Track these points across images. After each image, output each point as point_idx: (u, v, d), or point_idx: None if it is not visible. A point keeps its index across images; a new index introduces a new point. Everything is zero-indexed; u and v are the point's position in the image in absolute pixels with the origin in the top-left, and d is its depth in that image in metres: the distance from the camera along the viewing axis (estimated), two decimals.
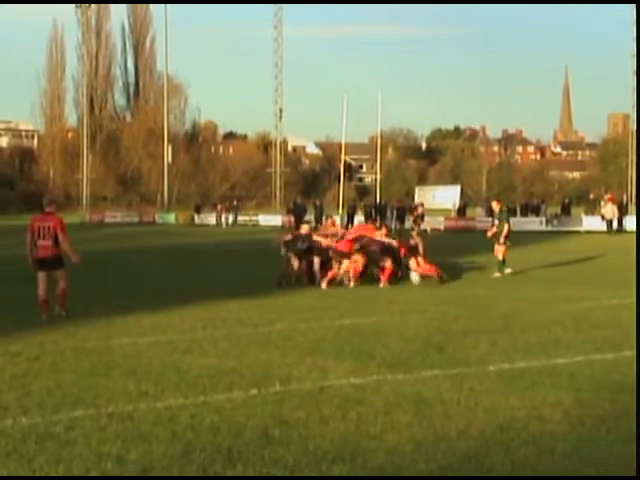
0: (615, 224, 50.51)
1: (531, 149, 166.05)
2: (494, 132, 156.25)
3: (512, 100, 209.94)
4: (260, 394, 9.60)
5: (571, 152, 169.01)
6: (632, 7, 59.52)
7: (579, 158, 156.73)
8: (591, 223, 53.38)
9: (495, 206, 26.50)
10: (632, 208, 57.49)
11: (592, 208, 59.72)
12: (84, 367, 11.25)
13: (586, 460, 7.23)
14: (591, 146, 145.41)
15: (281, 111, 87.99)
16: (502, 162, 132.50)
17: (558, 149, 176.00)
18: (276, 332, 14.11)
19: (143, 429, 8.20)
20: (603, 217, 51.43)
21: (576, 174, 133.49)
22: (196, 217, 76.94)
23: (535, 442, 7.70)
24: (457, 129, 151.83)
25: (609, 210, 51.32)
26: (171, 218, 79.05)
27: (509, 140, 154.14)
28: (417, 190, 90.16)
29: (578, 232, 50.73)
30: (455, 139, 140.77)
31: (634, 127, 66.77)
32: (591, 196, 61.92)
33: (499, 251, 24.49)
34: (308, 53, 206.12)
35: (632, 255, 18.78)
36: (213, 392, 9.70)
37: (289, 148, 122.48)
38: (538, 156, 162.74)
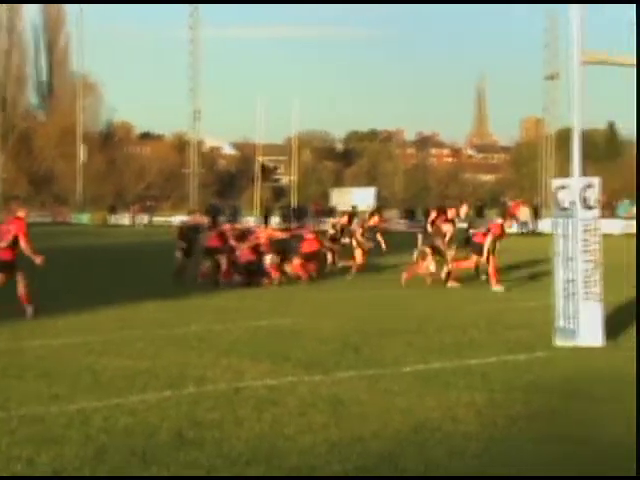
0: (530, 226, 51.45)
1: (446, 152, 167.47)
2: (410, 135, 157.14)
3: (428, 103, 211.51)
4: (174, 395, 9.53)
5: (485, 155, 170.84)
6: (544, 13, 60.57)
7: (493, 161, 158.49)
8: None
9: (464, 210, 25.32)
10: (545, 211, 58.27)
11: (504, 211, 60.41)
12: None
13: (497, 460, 7.30)
14: (505, 149, 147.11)
15: (197, 112, 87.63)
16: (417, 164, 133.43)
17: (472, 152, 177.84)
18: (192, 333, 14.04)
19: (55, 432, 8.08)
20: (517, 219, 52.17)
21: (490, 177, 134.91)
22: (110, 217, 76.19)
23: (448, 442, 7.76)
24: (373, 131, 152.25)
25: (523, 212, 52.33)
26: (85, 218, 78.21)
27: (424, 142, 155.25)
28: (333, 192, 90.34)
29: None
30: (371, 141, 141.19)
31: (547, 131, 67.81)
32: (505, 199, 62.72)
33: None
34: (225, 54, 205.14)
35: (545, 257, 19.04)
36: (127, 394, 9.61)
37: (205, 149, 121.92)
38: (453, 159, 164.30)
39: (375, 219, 31.41)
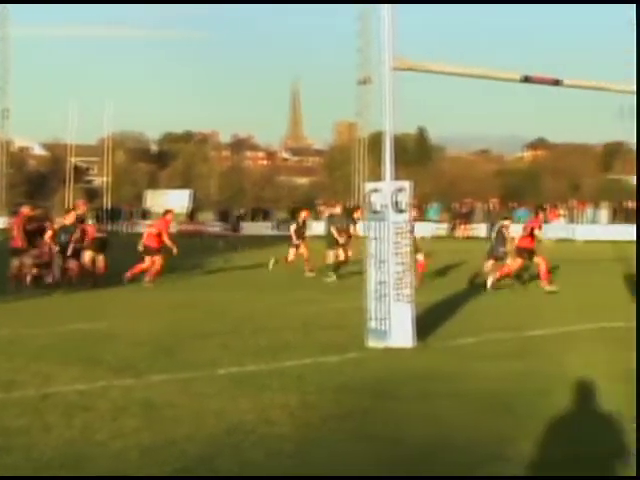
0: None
1: (261, 154, 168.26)
2: (225, 137, 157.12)
3: (243, 105, 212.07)
4: None
5: (300, 158, 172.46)
6: (356, 16, 61.59)
7: (308, 164, 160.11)
8: (320, 229, 54.46)
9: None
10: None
11: (316, 214, 61.08)
12: None
13: (311, 460, 7.36)
14: (319, 153, 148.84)
15: (7, 111, 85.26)
16: (233, 167, 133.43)
17: (287, 155, 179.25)
18: (1, 337, 13.63)
19: None
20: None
21: (304, 180, 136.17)
22: None
23: (263, 443, 7.76)
24: (188, 133, 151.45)
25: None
26: None
27: (239, 145, 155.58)
28: (148, 193, 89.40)
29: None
30: (186, 143, 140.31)
31: (360, 134, 68.85)
32: (319, 202, 63.27)
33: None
34: (36, 53, 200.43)
35: (359, 259, 19.40)
36: None
37: (14, 149, 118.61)
38: (268, 162, 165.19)
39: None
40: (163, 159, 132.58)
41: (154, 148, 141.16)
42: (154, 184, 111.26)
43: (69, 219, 22.71)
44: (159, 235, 23.42)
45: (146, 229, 25.56)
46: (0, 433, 8.01)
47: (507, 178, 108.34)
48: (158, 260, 23.17)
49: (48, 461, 7.21)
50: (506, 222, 23.65)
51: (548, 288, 21.05)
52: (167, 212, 25.39)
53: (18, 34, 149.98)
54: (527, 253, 22.06)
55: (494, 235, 23.37)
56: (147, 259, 23.23)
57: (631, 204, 50.76)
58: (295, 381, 10.42)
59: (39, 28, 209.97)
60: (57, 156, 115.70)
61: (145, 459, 7.31)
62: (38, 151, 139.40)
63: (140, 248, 23.34)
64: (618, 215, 51.44)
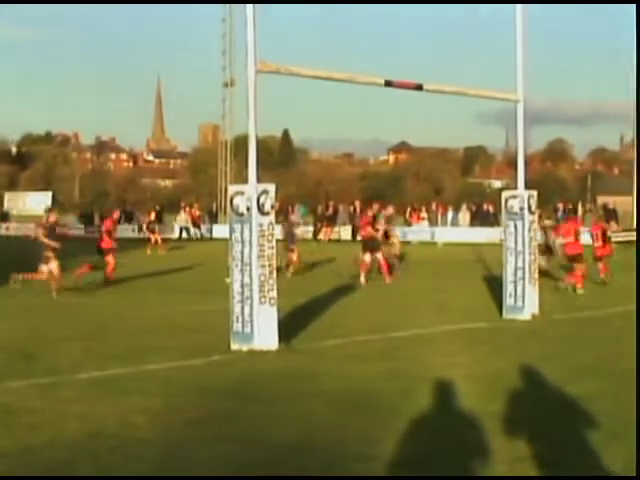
0: (192, 231, 52.70)
1: (124, 156, 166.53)
2: (87, 139, 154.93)
3: (106, 107, 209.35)
4: None
5: (164, 160, 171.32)
6: (220, 18, 61.36)
7: (171, 166, 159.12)
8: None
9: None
10: (222, 217, 59.04)
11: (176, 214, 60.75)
12: None
13: (173, 464, 7.30)
14: (183, 155, 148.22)
15: None
16: (95, 169, 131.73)
17: (151, 157, 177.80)
18: None
19: None
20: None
21: (168, 182, 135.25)
22: None
23: (124, 448, 7.67)
24: (49, 134, 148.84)
25: (183, 218, 53.89)
26: None
27: (102, 147, 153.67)
28: (7, 195, 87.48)
29: (171, 239, 51.26)
30: (47, 144, 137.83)
31: (225, 137, 68.71)
32: (182, 204, 62.66)
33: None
34: None
35: (221, 260, 19.36)
36: None
37: None
38: (131, 164, 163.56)
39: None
40: (23, 160, 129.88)
41: (13, 149, 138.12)
42: (14, 186, 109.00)
43: None
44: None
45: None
46: None
47: (371, 181, 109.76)
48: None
49: None
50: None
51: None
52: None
53: None
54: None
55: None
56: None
57: (491, 207, 51.82)
58: (159, 384, 10.35)
59: None
60: None
61: (0, 466, 7.15)
62: None
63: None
64: (477, 218, 52.43)
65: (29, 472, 7.04)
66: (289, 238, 26.84)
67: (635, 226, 43.42)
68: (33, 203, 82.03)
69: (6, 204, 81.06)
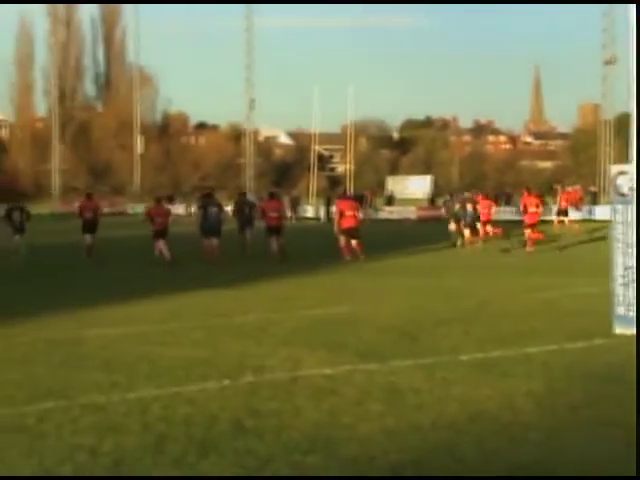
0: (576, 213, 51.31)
1: (503, 139, 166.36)
2: (466, 122, 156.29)
3: (483, 90, 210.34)
4: (233, 385, 9.58)
5: (542, 142, 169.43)
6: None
7: (550, 148, 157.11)
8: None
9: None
10: (604, 197, 57.69)
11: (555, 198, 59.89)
12: (55, 359, 11.19)
13: (559, 448, 7.25)
14: (562, 136, 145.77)
15: (253, 101, 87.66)
16: (474, 152, 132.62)
17: (529, 139, 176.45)
18: (249, 322, 14.09)
19: (115, 420, 8.16)
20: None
21: (547, 164, 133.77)
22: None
23: (507, 432, 7.71)
24: (429, 119, 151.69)
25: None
26: (141, 209, 78.60)
27: (480, 130, 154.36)
28: (390, 180, 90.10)
29: (551, 221, 50.77)
30: (427, 129, 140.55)
31: (605, 116, 67.01)
32: (556, 186, 61.68)
33: None
34: (280, 43, 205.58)
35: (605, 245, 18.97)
36: (186, 383, 9.67)
37: (261, 138, 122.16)
38: (510, 146, 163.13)
39: None
40: (404, 145, 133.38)
41: (395, 135, 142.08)
42: (395, 171, 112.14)
43: None
44: None
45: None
46: (251, 415, 8.28)
47: None
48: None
49: (297, 444, 7.41)
50: None
51: None
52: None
53: (262, 25, 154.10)
54: None
55: None
56: None
57: None
58: (540, 368, 10.28)
59: (281, 19, 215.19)
60: (301, 145, 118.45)
61: (390, 444, 7.40)
62: (283, 140, 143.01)
63: None
64: None
65: (418, 451, 7.25)
66: None
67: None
68: (413, 187, 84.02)
69: (389, 188, 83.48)
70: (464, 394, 9.05)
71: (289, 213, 58.84)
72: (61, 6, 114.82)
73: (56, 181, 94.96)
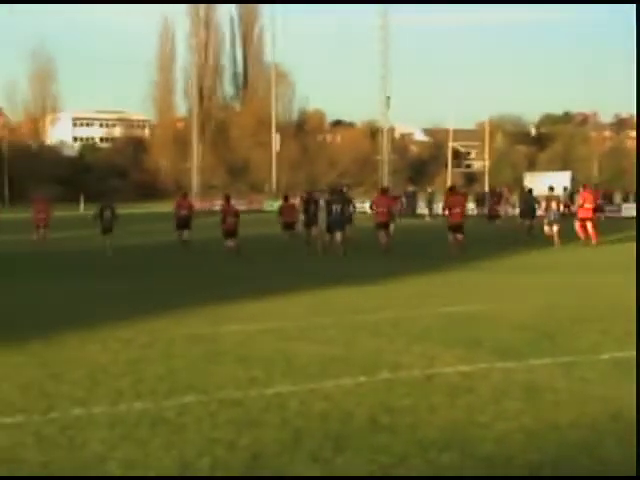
0: None
1: None
2: (606, 117, 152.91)
3: (624, 84, 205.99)
4: (368, 381, 9.60)
5: None
6: None
7: None
8: None
9: None
10: None
11: None
12: (194, 354, 11.39)
13: None
14: None
15: (388, 98, 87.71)
16: (614, 147, 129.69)
17: None
18: (384, 319, 14.09)
19: (253, 415, 8.27)
20: None
21: None
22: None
23: None
24: (567, 114, 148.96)
25: None
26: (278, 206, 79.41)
27: (621, 125, 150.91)
28: (527, 176, 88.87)
29: None
30: (565, 124, 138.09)
31: None
32: None
33: None
34: (414, 41, 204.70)
35: None
36: (322, 379, 9.74)
37: (396, 135, 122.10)
38: None
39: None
40: (542, 141, 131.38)
41: (532, 130, 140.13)
42: (532, 166, 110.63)
43: None
44: None
45: None
46: (387, 412, 8.29)
47: None
48: None
49: (432, 441, 7.39)
50: None
51: None
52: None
53: (397, 23, 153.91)
54: None
55: None
56: None
57: None
58: None
59: (417, 17, 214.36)
60: (437, 141, 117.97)
61: (528, 443, 7.30)
62: (419, 137, 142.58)
63: None
64: None
65: (558, 450, 7.13)
66: None
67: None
68: (552, 183, 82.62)
69: (527, 185, 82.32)
70: (604, 393, 8.88)
71: (426, 211, 58.69)
72: (201, 6, 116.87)
73: (195, 179, 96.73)
